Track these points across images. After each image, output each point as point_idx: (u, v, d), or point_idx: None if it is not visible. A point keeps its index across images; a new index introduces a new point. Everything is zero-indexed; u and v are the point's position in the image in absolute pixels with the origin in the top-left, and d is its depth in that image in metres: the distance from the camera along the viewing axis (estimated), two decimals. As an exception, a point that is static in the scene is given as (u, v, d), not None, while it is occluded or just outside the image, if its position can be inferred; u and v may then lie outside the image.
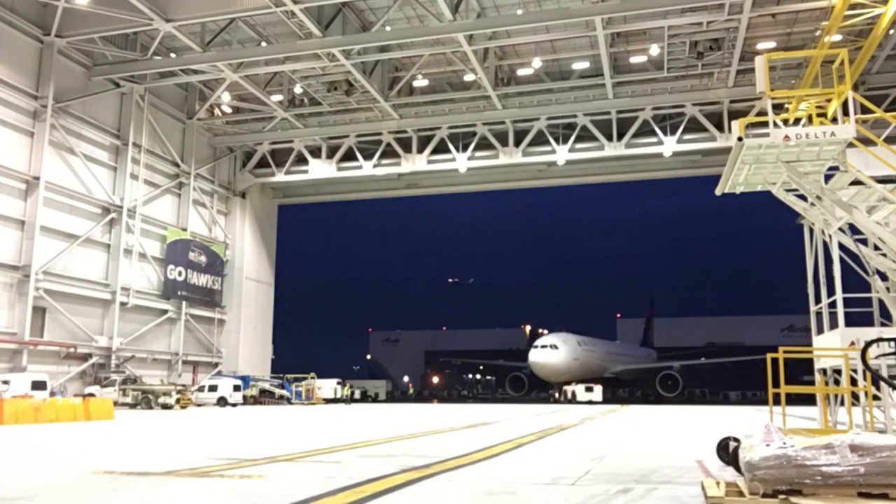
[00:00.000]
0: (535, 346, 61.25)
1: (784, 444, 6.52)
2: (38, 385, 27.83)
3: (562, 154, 43.44)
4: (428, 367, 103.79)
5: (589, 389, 57.08)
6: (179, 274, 43.00)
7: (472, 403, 60.18)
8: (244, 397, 42.07)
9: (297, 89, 42.55)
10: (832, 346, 13.96)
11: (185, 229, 44.07)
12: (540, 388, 73.82)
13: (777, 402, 11.95)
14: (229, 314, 47.87)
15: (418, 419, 25.71)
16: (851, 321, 14.13)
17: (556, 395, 60.76)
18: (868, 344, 10.70)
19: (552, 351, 60.30)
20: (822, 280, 15.36)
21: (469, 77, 40.46)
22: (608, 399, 62.52)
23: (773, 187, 13.43)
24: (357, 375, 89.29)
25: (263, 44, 37.02)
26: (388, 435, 16.31)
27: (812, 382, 17.19)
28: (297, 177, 48.92)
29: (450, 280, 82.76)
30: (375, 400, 64.75)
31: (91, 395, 31.40)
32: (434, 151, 45.41)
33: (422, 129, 45.29)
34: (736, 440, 8.98)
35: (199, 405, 38.18)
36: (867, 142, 12.41)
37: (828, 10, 30.53)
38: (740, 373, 71.63)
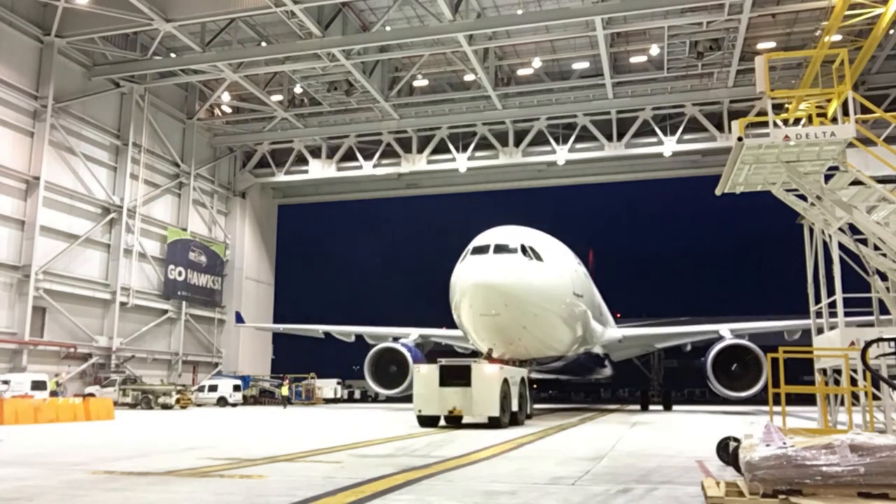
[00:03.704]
0: (471, 254, 23.36)
1: (784, 444, 6.53)
2: (38, 385, 27.86)
3: (562, 154, 43.45)
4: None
5: (456, 373, 19.51)
6: (179, 274, 43.00)
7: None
8: (244, 397, 42.08)
9: (297, 89, 42.55)
10: (832, 346, 13.94)
11: (185, 229, 44.07)
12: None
13: (777, 402, 11.95)
14: (229, 314, 47.87)
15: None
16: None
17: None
18: (868, 344, 10.70)
19: (524, 265, 22.92)
20: (823, 280, 15.34)
21: (469, 77, 40.46)
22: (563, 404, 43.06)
23: (773, 187, 13.43)
24: (357, 375, 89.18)
25: (263, 44, 37.01)
26: (388, 435, 16.30)
27: (812, 382, 17.16)
28: (297, 177, 48.94)
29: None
30: (375, 400, 64.75)
31: (91, 395, 31.41)
32: (434, 151, 45.42)
33: (422, 129, 45.30)
34: (736, 440, 8.99)
35: (199, 405, 38.19)
36: (867, 142, 12.41)
37: (828, 10, 30.53)
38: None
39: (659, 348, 39.47)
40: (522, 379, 21.80)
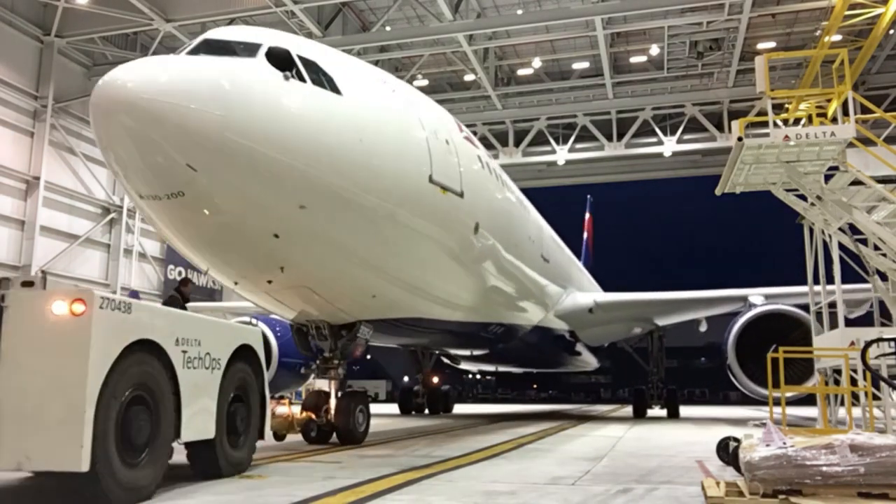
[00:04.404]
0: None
1: (784, 444, 6.53)
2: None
3: (562, 154, 43.37)
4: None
5: None
6: (179, 274, 42.93)
7: (471, 404, 60.18)
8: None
9: (297, 89, 42.49)
10: (832, 346, 13.96)
11: (185, 229, 44.01)
12: None
13: (777, 402, 11.97)
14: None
15: (417, 419, 25.68)
16: (851, 321, 14.16)
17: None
18: (868, 344, 10.71)
19: (269, 84, 9.73)
20: (823, 280, 15.35)
21: (469, 77, 40.40)
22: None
23: (773, 187, 13.47)
24: (357, 375, 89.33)
25: (263, 44, 36.98)
26: (387, 435, 16.29)
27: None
28: (297, 177, 48.81)
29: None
30: (375, 400, 64.88)
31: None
32: (434, 151, 45.32)
33: (422, 129, 45.20)
34: (736, 440, 9.00)
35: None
36: (867, 142, 12.44)
37: (828, 10, 30.49)
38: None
39: (660, 326, 27.63)
40: (246, 350, 8.74)
